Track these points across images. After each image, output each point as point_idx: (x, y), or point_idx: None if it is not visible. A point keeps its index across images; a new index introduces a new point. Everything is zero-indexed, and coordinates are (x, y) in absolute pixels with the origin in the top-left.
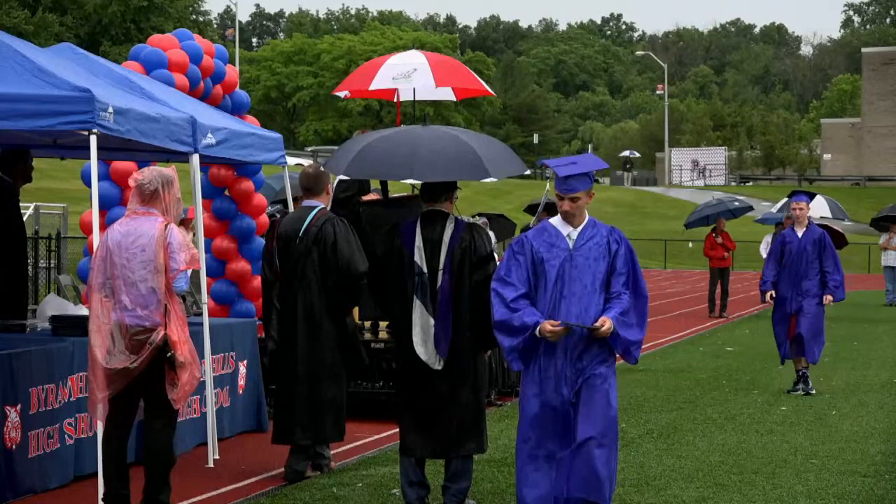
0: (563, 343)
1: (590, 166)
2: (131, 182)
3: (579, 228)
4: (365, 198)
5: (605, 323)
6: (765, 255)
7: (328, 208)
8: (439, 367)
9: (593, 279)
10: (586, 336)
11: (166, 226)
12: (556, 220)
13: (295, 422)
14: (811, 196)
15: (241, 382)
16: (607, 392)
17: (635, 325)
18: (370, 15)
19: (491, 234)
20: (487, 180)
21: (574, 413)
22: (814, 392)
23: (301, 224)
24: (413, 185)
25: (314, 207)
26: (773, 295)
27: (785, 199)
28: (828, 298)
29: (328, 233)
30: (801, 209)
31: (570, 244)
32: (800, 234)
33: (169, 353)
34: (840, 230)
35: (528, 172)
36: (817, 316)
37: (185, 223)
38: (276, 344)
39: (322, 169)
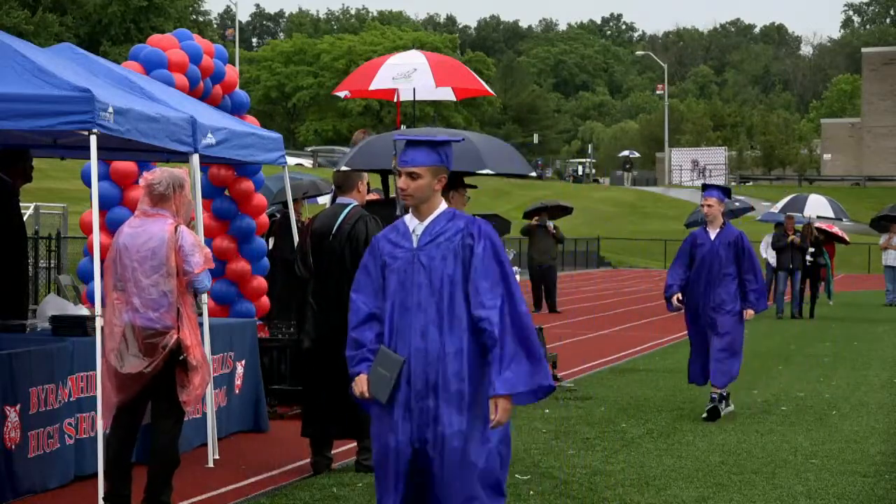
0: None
1: (440, 138)
2: (141, 182)
3: (427, 221)
4: (368, 198)
5: (496, 416)
6: (764, 255)
7: (360, 206)
8: None
9: (441, 285)
10: (432, 363)
11: (176, 228)
12: (409, 215)
13: (328, 417)
14: (726, 192)
15: (238, 382)
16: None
17: (522, 370)
18: (370, 15)
19: None
20: (484, 172)
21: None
22: (731, 407)
23: (334, 221)
24: None
25: (347, 205)
26: (681, 298)
27: (785, 199)
28: (748, 313)
29: (360, 230)
30: (710, 206)
31: (415, 242)
32: (712, 234)
33: (182, 357)
34: (839, 232)
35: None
36: (733, 334)
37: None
38: (312, 341)
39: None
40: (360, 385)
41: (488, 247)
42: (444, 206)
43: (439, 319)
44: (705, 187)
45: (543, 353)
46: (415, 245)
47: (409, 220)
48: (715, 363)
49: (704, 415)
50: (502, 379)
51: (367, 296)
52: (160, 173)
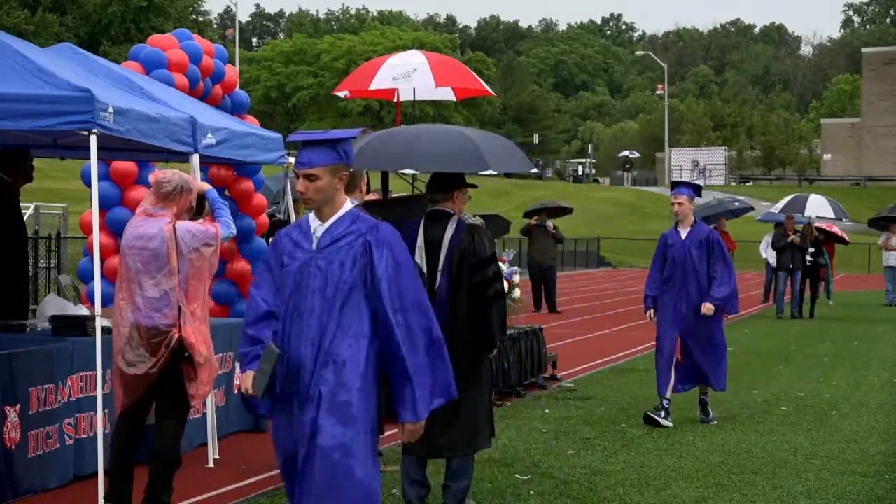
0: (292, 384)
1: (336, 134)
2: (151, 178)
3: (328, 223)
4: (365, 198)
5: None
6: (765, 255)
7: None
8: None
9: (335, 292)
10: (322, 373)
11: (174, 226)
12: (312, 214)
13: None
14: (696, 189)
15: (237, 382)
16: (333, 453)
17: (424, 382)
18: (370, 15)
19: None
20: (486, 173)
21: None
22: (715, 422)
23: None
24: (413, 183)
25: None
26: (653, 315)
27: (785, 200)
28: (706, 307)
29: None
30: (680, 203)
31: (314, 244)
32: (683, 234)
33: (186, 354)
34: (839, 232)
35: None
36: (712, 336)
37: None
38: None
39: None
40: (245, 382)
41: (388, 256)
42: (347, 206)
43: (333, 327)
44: (674, 185)
45: (446, 362)
46: (314, 247)
47: (313, 219)
48: (709, 367)
49: (700, 416)
50: (409, 402)
51: (268, 293)
52: (171, 174)
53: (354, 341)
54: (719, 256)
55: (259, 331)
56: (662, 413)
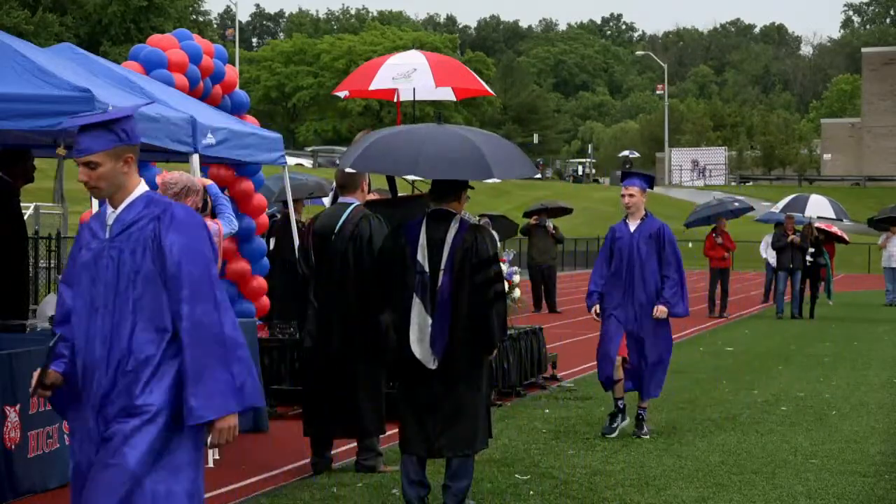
0: (87, 387)
1: (111, 115)
2: (158, 179)
3: (119, 209)
4: (367, 197)
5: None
6: (764, 255)
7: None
8: (434, 367)
9: (128, 284)
10: (117, 374)
11: None
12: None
13: (329, 417)
14: (648, 180)
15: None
16: (125, 460)
17: (201, 381)
18: (370, 15)
19: (495, 234)
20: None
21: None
22: (647, 436)
23: (336, 221)
24: (413, 185)
25: (349, 204)
26: (598, 311)
27: (786, 200)
28: (659, 309)
29: (364, 230)
30: (631, 195)
31: (107, 233)
32: (632, 227)
33: None
34: (839, 232)
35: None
36: (657, 340)
37: None
38: (313, 341)
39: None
40: (34, 379)
41: (178, 240)
42: (141, 189)
43: (129, 323)
44: (625, 176)
45: (245, 365)
46: (107, 236)
47: (109, 206)
48: (645, 375)
49: (620, 425)
50: (188, 402)
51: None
52: (178, 175)
53: (152, 336)
54: (671, 255)
55: (65, 329)
56: (619, 417)
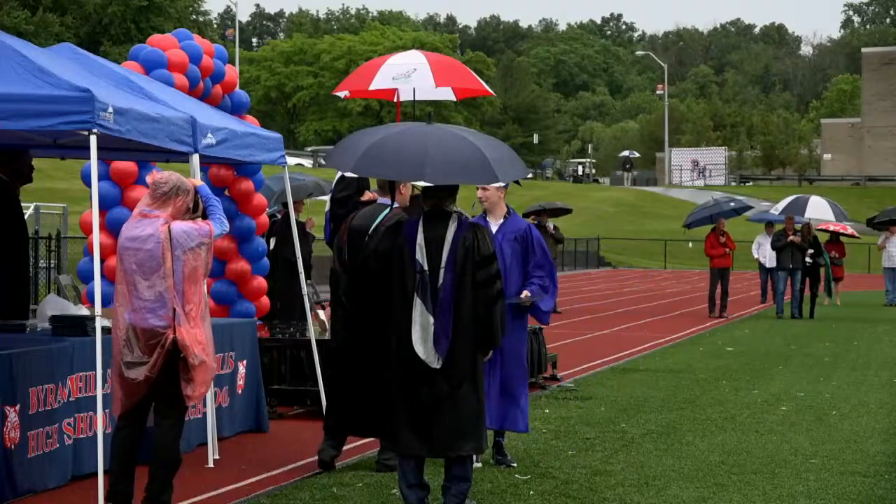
0: None
1: None
2: (149, 179)
3: None
4: (363, 197)
5: None
6: (756, 255)
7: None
8: (438, 366)
9: None
10: None
11: (169, 227)
12: None
13: (353, 414)
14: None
15: (241, 382)
16: None
17: None
18: (370, 15)
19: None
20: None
21: None
22: (514, 465)
23: (372, 221)
24: (414, 186)
25: (387, 206)
26: None
27: (786, 201)
28: (525, 294)
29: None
30: (484, 189)
31: None
32: (494, 227)
33: (181, 355)
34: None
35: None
36: (511, 361)
37: None
38: (342, 339)
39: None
40: None
41: None
42: None
43: None
44: None
45: None
46: None
47: None
48: (505, 405)
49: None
50: None
51: None
52: (168, 175)
53: None
54: (540, 253)
55: None
56: (497, 454)
